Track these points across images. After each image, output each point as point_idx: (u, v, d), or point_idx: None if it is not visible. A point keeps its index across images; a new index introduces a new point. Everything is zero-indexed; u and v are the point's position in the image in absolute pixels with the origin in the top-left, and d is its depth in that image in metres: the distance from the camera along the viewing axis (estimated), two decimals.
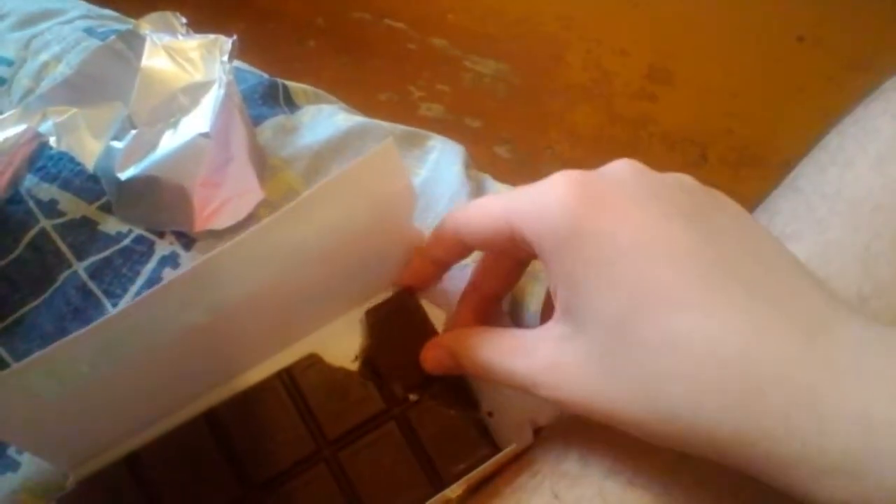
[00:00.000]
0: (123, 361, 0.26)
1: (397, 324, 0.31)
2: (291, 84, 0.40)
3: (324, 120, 0.38)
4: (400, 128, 0.40)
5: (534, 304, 0.35)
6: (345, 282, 0.30)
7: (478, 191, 0.37)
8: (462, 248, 0.28)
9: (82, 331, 0.24)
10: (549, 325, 0.25)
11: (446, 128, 0.94)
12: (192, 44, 0.31)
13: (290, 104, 0.39)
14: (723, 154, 0.94)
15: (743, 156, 0.94)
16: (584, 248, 0.22)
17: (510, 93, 1.00)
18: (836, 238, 0.27)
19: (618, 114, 0.97)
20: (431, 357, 0.29)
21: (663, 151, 0.93)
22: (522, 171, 0.90)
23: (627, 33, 1.02)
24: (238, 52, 0.34)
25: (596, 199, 0.23)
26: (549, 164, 0.92)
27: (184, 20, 0.36)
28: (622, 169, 0.24)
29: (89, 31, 0.38)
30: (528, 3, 1.04)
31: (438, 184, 0.37)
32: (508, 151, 0.91)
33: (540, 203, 0.24)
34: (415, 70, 1.01)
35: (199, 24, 0.37)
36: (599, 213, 0.22)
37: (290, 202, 0.34)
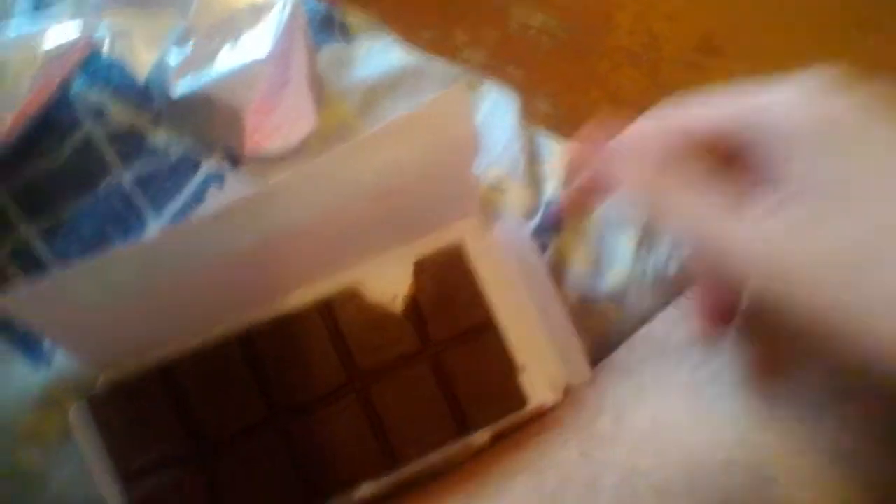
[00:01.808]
0: (169, 277, 0.25)
1: (445, 276, 0.30)
2: (347, 14, 0.39)
3: (378, 54, 0.37)
4: (456, 70, 0.39)
5: (577, 261, 0.34)
6: (394, 221, 0.29)
7: (532, 145, 0.37)
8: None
9: (133, 244, 0.23)
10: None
11: (487, 74, 0.92)
12: None
13: (346, 34, 0.38)
14: None
15: None
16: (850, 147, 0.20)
17: (555, 47, 0.97)
18: None
19: (663, 81, 0.94)
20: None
21: None
22: (562, 127, 0.89)
23: (679, 1, 0.98)
24: None
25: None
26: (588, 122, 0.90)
27: None
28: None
29: None
30: None
31: (491, 132, 0.36)
32: (550, 106, 0.90)
33: (785, 102, 0.22)
34: (461, 13, 0.98)
35: None
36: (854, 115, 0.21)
37: (343, 135, 0.33)
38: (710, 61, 1.01)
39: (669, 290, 0.35)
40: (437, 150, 0.27)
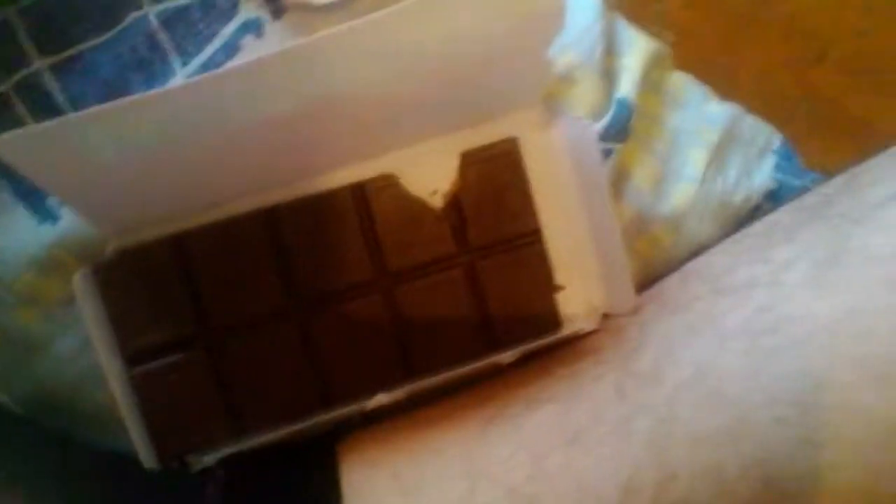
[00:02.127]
0: (192, 135, 0.22)
1: (494, 174, 0.27)
2: None
3: None
4: None
5: (639, 174, 0.31)
6: (447, 101, 0.26)
7: (611, 34, 0.32)
8: None
9: (154, 92, 0.20)
10: None
11: None
12: None
13: None
14: (845, 58, 0.84)
15: (864, 65, 0.84)
16: None
17: None
18: None
19: None
20: None
21: (779, 39, 0.84)
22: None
23: None
24: None
25: None
26: (654, 20, 0.83)
27: None
28: None
29: None
30: None
31: (571, 11, 0.31)
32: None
33: None
34: None
35: None
36: None
37: None
38: None
39: (734, 219, 0.32)
40: (515, 21, 0.23)
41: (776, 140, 0.35)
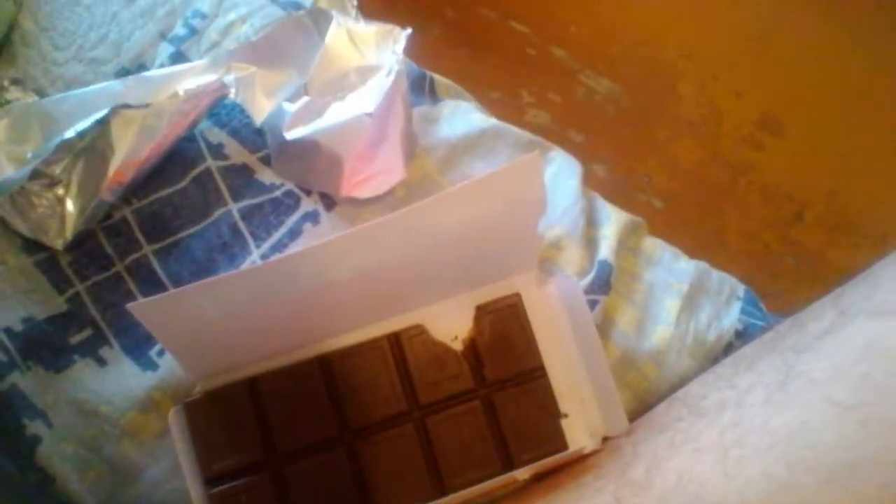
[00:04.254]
0: (270, 300, 0.30)
1: (503, 322, 0.34)
2: (437, 77, 0.43)
3: (462, 116, 0.41)
4: (527, 135, 0.43)
5: (622, 320, 0.38)
6: (462, 268, 0.33)
7: (590, 210, 0.40)
8: None
9: (247, 268, 0.28)
10: None
11: (549, 136, 0.96)
12: (371, 30, 0.35)
13: (434, 95, 0.42)
14: (820, 216, 0.93)
15: (840, 221, 0.93)
16: None
17: (618, 114, 1.01)
18: None
19: (721, 155, 0.97)
20: None
21: (759, 203, 0.93)
22: (616, 192, 0.91)
23: (747, 75, 1.01)
24: None
25: None
26: (643, 191, 0.93)
27: (354, 1, 0.40)
28: None
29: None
30: (652, 28, 1.04)
31: (555, 195, 0.39)
32: (605, 171, 0.93)
33: None
34: (529, 75, 1.03)
35: None
36: None
37: (425, 186, 0.37)
38: (770, 139, 1.03)
39: (709, 355, 0.38)
40: (509, 210, 0.31)
41: (741, 289, 0.41)
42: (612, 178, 0.97)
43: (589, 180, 0.43)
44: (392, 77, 0.33)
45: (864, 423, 0.28)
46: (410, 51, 0.43)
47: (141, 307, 0.28)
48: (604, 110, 1.01)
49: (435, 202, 0.29)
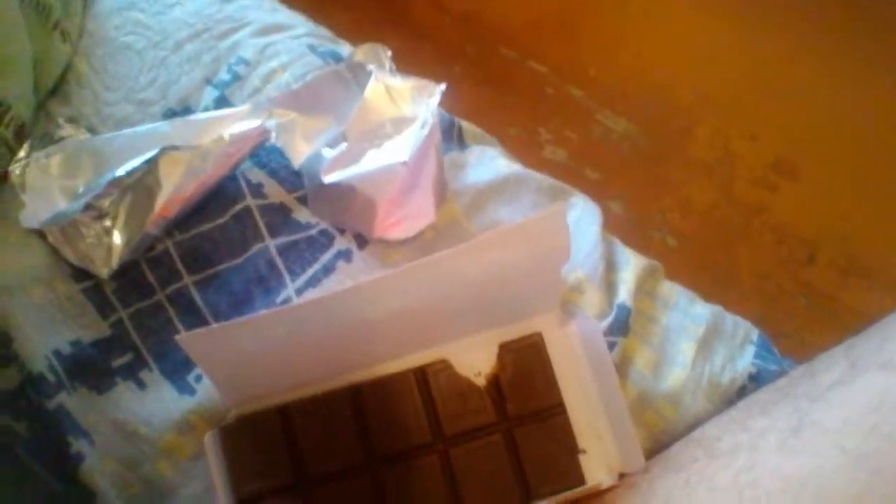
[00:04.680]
0: (306, 335, 0.31)
1: (525, 360, 0.35)
2: (465, 124, 0.45)
3: (487, 162, 0.43)
4: (549, 181, 0.45)
5: (640, 361, 0.39)
6: (487, 308, 0.35)
7: (610, 254, 0.42)
8: None
9: (287, 307, 0.30)
10: None
11: (566, 174, 0.98)
12: (407, 85, 0.37)
13: (462, 142, 0.44)
14: (833, 258, 0.94)
15: (852, 264, 0.94)
16: None
17: (634, 153, 1.03)
18: None
19: (735, 197, 0.98)
20: None
21: (772, 244, 0.95)
22: (631, 230, 0.93)
23: (761, 119, 1.03)
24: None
25: None
26: (658, 228, 0.95)
27: (389, 52, 0.42)
28: None
29: (311, 48, 0.44)
30: (669, 71, 1.06)
31: (576, 239, 0.41)
32: (621, 208, 0.95)
33: None
34: (547, 113, 1.05)
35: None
36: None
37: (453, 230, 0.39)
38: (783, 182, 1.05)
39: (724, 397, 0.39)
40: (535, 257, 0.33)
41: (754, 333, 0.43)
42: (627, 215, 0.98)
43: (605, 217, 0.44)
44: (427, 129, 0.35)
45: (874, 471, 0.29)
46: (443, 101, 0.45)
47: (187, 339, 0.30)
48: (620, 149, 1.03)
49: (465, 250, 0.31)
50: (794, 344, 0.86)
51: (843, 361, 0.33)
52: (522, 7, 1.11)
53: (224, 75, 0.43)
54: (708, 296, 0.45)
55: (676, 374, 0.39)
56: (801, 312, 0.90)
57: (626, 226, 0.94)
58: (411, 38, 1.11)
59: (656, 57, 1.05)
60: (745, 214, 0.96)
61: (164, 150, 0.37)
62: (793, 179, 0.97)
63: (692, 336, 0.40)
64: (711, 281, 0.91)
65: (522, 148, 1.03)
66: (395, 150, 0.35)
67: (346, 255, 0.38)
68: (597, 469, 0.35)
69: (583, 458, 0.35)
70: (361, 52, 0.42)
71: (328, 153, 0.37)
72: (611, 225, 0.48)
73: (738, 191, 0.97)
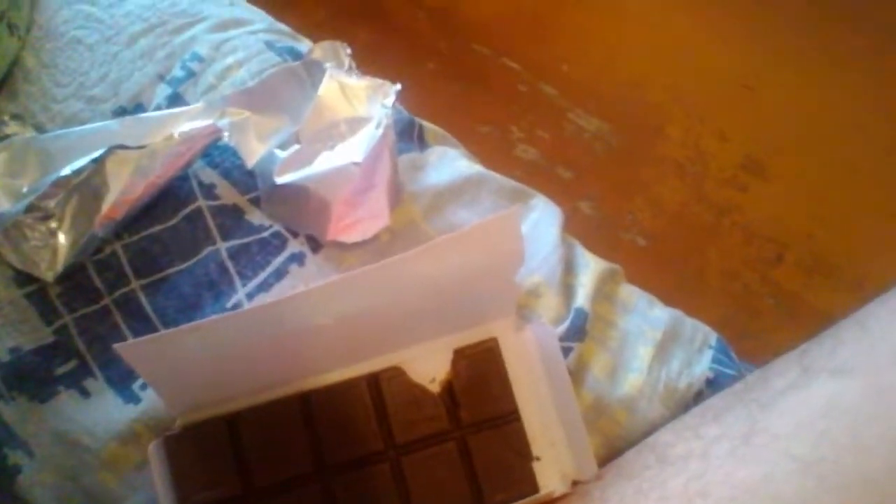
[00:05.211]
0: (254, 344, 0.31)
1: (480, 366, 0.35)
2: (425, 124, 0.45)
3: (448, 163, 0.43)
4: (510, 183, 0.44)
5: (596, 367, 0.39)
6: (441, 315, 0.34)
7: (569, 254, 0.41)
8: None
9: (233, 313, 0.29)
10: None
11: (537, 173, 0.98)
12: (362, 84, 0.36)
13: (422, 142, 0.44)
14: (800, 257, 0.95)
15: (819, 263, 0.95)
16: None
17: (606, 152, 1.03)
18: (889, 384, 0.30)
19: (705, 196, 0.99)
20: None
21: (741, 243, 0.95)
22: (601, 229, 0.93)
23: (732, 118, 1.04)
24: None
25: None
26: (628, 228, 0.95)
27: (349, 51, 0.41)
28: None
29: (269, 45, 0.43)
30: (642, 70, 1.07)
31: (535, 242, 0.41)
32: (591, 208, 0.95)
33: None
34: (519, 111, 1.05)
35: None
36: None
37: (410, 232, 0.39)
38: (753, 181, 1.05)
39: (680, 402, 0.39)
40: (489, 261, 0.32)
41: (713, 337, 0.43)
42: (597, 214, 0.98)
43: (575, 217, 0.44)
44: (381, 130, 0.34)
45: (822, 478, 0.29)
46: (402, 97, 0.44)
47: (127, 347, 0.29)
48: (592, 148, 1.03)
49: (417, 255, 0.31)
50: (759, 344, 0.86)
51: (795, 367, 0.33)
52: (496, 2, 1.11)
53: (178, 72, 0.42)
54: (676, 296, 0.45)
55: (633, 380, 0.39)
56: (767, 312, 0.91)
57: (595, 226, 0.94)
58: (384, 34, 1.10)
59: (629, 55, 1.05)
60: (715, 214, 0.96)
61: (111, 150, 0.35)
62: (762, 179, 0.98)
63: (650, 340, 0.40)
64: (680, 281, 0.91)
65: (494, 146, 1.02)
66: (349, 151, 0.35)
67: (298, 259, 0.38)
68: (550, 476, 0.35)
69: (537, 466, 0.35)
70: (320, 50, 0.41)
71: (281, 154, 0.36)
72: (580, 225, 0.48)
73: (709, 190, 0.98)
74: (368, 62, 0.43)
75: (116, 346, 0.28)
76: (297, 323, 0.31)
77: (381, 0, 1.09)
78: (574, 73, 1.06)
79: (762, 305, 0.93)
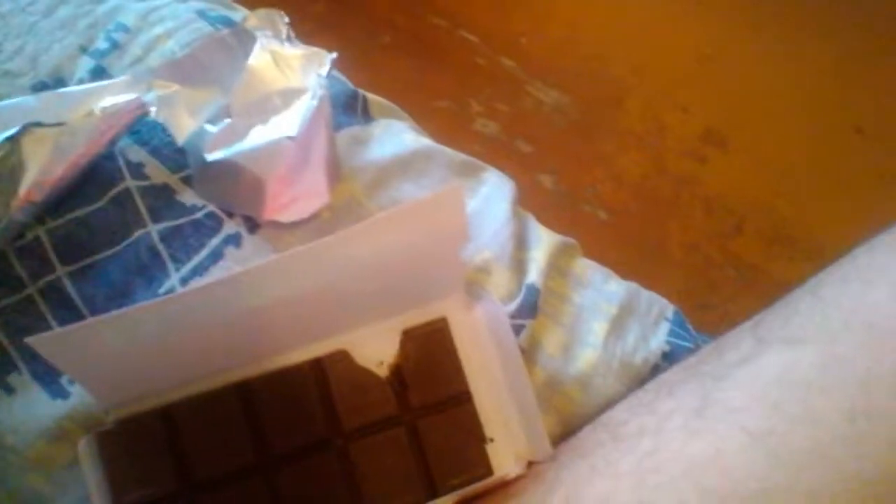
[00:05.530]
0: (184, 332, 0.29)
1: (429, 347, 0.34)
2: (370, 96, 0.43)
3: (393, 136, 0.41)
4: (460, 156, 0.43)
5: (549, 343, 0.38)
6: (386, 294, 0.33)
7: (521, 229, 0.40)
8: None
9: (159, 299, 0.27)
10: None
11: (497, 147, 0.96)
12: (296, 53, 0.34)
13: (366, 115, 0.42)
14: (759, 228, 0.95)
15: (778, 234, 0.95)
16: None
17: (566, 125, 1.02)
18: (842, 353, 0.29)
19: (665, 168, 0.99)
20: None
21: (701, 215, 0.95)
22: (562, 203, 0.93)
23: (693, 91, 1.04)
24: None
25: None
26: (588, 201, 0.95)
27: (286, 19, 0.39)
28: None
29: (200, 14, 0.41)
30: (602, 43, 1.06)
31: (485, 217, 0.39)
32: (552, 182, 0.94)
33: None
34: (478, 85, 1.03)
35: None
36: None
37: (351, 209, 0.37)
38: (713, 153, 1.06)
39: (636, 377, 0.38)
40: (432, 238, 0.31)
41: (669, 310, 0.42)
42: (558, 188, 0.98)
43: (536, 191, 0.42)
44: (316, 101, 0.33)
45: (773, 451, 0.28)
46: (355, 71, 0.42)
47: (42, 341, 0.27)
48: (552, 122, 1.02)
49: (355, 232, 0.29)
50: (718, 315, 0.87)
51: (749, 338, 0.33)
52: None
53: (101, 44, 0.39)
54: (637, 268, 0.44)
55: (587, 355, 0.38)
56: (728, 283, 0.91)
57: (556, 199, 0.93)
58: (338, 6, 1.07)
59: (589, 28, 1.04)
60: (675, 185, 0.96)
61: (26, 127, 0.33)
62: (722, 150, 0.98)
63: (605, 315, 0.39)
64: (641, 253, 0.91)
65: (453, 121, 1.01)
66: (282, 125, 0.33)
67: (235, 240, 0.36)
68: (504, 458, 0.34)
69: (490, 448, 0.34)
70: (255, 18, 0.38)
71: (212, 129, 0.34)
72: (541, 199, 0.47)
73: (669, 162, 0.98)
74: (319, 35, 0.41)
75: (30, 339, 0.26)
76: (232, 307, 0.29)
77: None
78: (533, 46, 1.05)
79: (723, 276, 0.93)
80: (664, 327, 0.40)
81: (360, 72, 0.44)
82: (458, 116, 0.98)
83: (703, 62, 1.03)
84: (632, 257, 0.88)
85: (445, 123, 0.98)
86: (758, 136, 0.99)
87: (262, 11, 0.39)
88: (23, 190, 0.33)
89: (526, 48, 1.04)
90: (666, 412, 0.32)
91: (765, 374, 0.30)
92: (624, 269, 0.43)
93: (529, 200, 0.43)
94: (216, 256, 0.35)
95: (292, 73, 0.34)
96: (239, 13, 0.43)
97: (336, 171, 0.37)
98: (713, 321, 0.79)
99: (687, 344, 0.40)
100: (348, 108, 0.41)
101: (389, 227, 0.30)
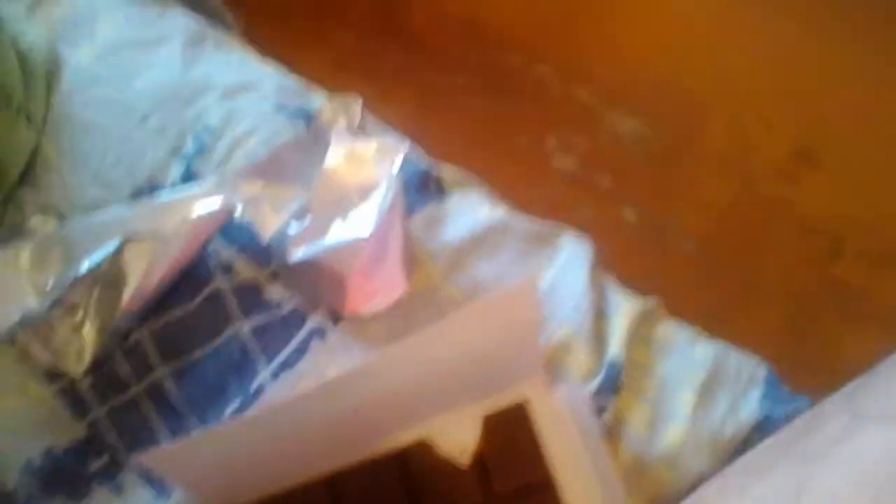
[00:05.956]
0: (278, 440, 0.31)
1: (510, 432, 0.34)
2: (443, 168, 0.43)
3: (469, 210, 0.41)
4: (535, 226, 0.42)
5: (634, 421, 0.37)
6: (466, 384, 0.33)
7: (599, 297, 0.40)
8: None
9: (259, 411, 0.29)
10: None
11: (575, 183, 0.95)
12: (369, 147, 0.35)
13: (440, 191, 0.42)
14: (861, 249, 0.90)
15: (883, 254, 0.89)
16: None
17: (646, 155, 1.00)
18: None
19: (754, 192, 0.94)
20: None
21: (795, 239, 0.91)
22: (647, 237, 0.90)
23: (776, 105, 0.99)
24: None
25: None
26: (674, 234, 0.92)
27: (360, 101, 0.40)
28: None
29: (278, 108, 0.43)
30: (675, 63, 1.03)
31: (562, 290, 0.39)
32: (634, 215, 0.92)
33: None
34: (555, 120, 1.02)
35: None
36: None
37: (430, 295, 0.38)
38: (803, 172, 1.00)
39: (726, 451, 0.37)
40: (508, 331, 0.31)
41: (762, 371, 0.40)
42: (641, 221, 0.95)
43: (618, 226, 0.41)
44: (390, 195, 0.34)
45: None
46: (423, 116, 0.42)
47: (151, 457, 0.29)
48: (631, 151, 1.00)
49: (435, 332, 0.30)
50: (824, 346, 0.82)
51: (845, 412, 0.31)
52: (522, 8, 1.08)
53: (190, 147, 0.42)
54: (730, 305, 0.42)
55: (674, 431, 0.37)
56: (830, 310, 0.86)
57: (641, 233, 0.91)
58: (413, 51, 1.09)
59: (661, 48, 1.01)
60: (766, 210, 0.92)
61: (126, 241, 0.36)
62: (813, 167, 0.93)
63: (691, 384, 0.38)
64: (733, 286, 0.87)
65: (530, 158, 1.00)
66: (360, 222, 0.34)
67: (320, 334, 0.37)
68: None
69: None
70: (329, 110, 0.40)
71: (293, 228, 0.35)
72: (624, 235, 0.45)
73: (757, 185, 0.93)
74: (396, 87, 0.42)
75: (141, 456, 0.28)
76: (320, 414, 0.31)
77: (408, 15, 1.07)
78: (606, 74, 1.03)
79: (824, 303, 0.88)
80: (756, 393, 0.39)
81: (437, 116, 0.44)
82: (535, 154, 0.98)
83: (784, 74, 0.98)
84: (723, 292, 0.84)
85: (523, 161, 0.98)
86: (849, 148, 0.93)
87: (336, 101, 0.41)
88: (125, 299, 0.36)
89: (599, 76, 1.03)
90: (759, 497, 0.31)
91: (863, 457, 0.29)
92: (716, 307, 0.41)
93: (612, 237, 0.41)
94: (303, 350, 0.37)
95: (367, 167, 0.35)
96: (314, 100, 0.45)
97: (411, 259, 0.38)
98: (818, 355, 0.74)
99: (783, 409, 0.39)
100: (422, 189, 0.42)
101: (467, 325, 0.30)
